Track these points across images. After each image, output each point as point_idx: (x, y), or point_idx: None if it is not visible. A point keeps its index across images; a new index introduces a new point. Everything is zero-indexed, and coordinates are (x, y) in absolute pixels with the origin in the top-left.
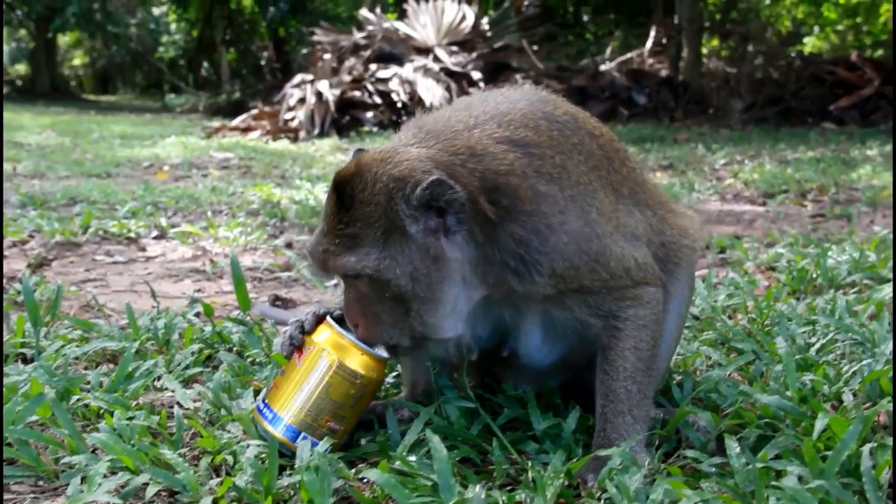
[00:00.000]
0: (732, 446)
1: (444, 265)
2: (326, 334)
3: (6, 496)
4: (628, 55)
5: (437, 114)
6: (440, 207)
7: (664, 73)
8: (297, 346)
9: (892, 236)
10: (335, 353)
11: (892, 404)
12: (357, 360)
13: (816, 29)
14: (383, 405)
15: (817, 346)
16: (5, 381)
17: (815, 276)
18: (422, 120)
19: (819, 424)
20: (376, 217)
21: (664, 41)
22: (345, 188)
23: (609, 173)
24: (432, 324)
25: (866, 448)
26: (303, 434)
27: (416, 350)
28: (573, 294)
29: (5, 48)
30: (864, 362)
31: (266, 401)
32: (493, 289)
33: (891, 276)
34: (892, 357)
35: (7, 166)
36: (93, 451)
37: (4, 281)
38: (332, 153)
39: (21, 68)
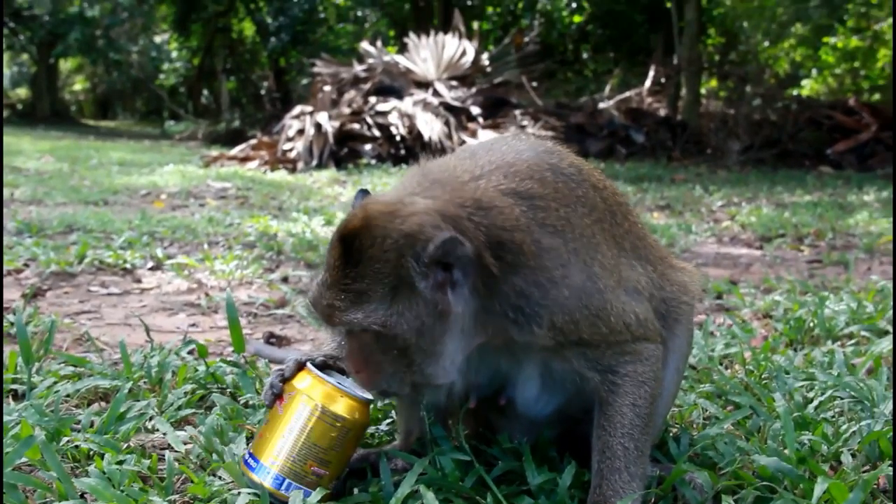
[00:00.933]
0: None
1: (448, 319)
2: (307, 380)
3: None
4: (627, 94)
5: (442, 161)
6: (448, 263)
7: (662, 112)
8: (277, 394)
9: (891, 286)
10: (316, 397)
11: (892, 467)
12: (339, 404)
13: (814, 72)
14: (377, 454)
15: (815, 402)
16: None
17: (812, 325)
18: (426, 167)
19: (818, 489)
20: (385, 273)
21: (663, 81)
22: (352, 243)
23: (612, 226)
24: (431, 373)
25: None
26: (289, 482)
27: (413, 396)
28: (572, 346)
29: (8, 72)
30: (864, 422)
31: (252, 451)
32: (492, 337)
33: (889, 328)
34: (893, 403)
35: (5, 191)
36: (81, 496)
37: None
38: (330, 185)
39: (22, 92)
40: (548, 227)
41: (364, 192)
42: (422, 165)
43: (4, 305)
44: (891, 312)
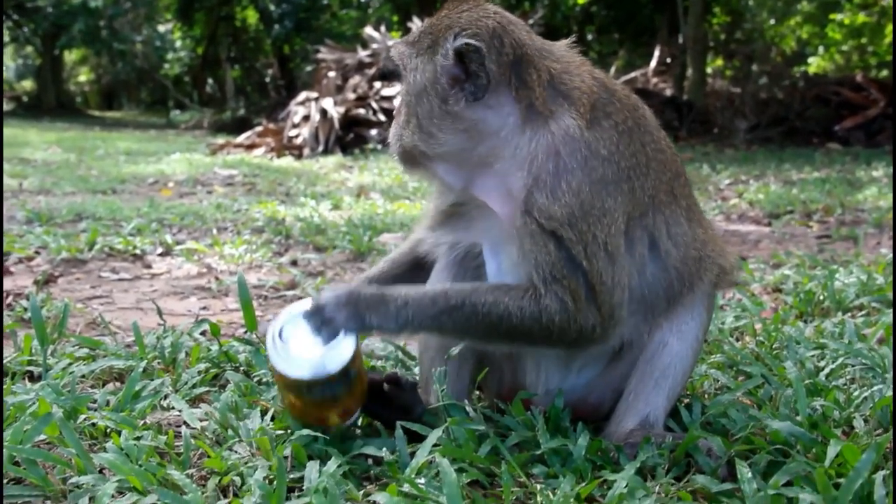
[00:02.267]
0: (744, 472)
1: (446, 106)
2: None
3: None
4: (632, 74)
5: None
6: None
7: (668, 92)
8: None
9: None
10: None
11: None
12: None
13: (821, 49)
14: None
15: (827, 370)
16: (13, 399)
17: (822, 298)
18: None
19: (831, 451)
20: (437, 31)
21: (668, 61)
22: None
23: (671, 180)
24: (419, 141)
25: (879, 476)
26: None
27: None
28: (555, 242)
29: (13, 65)
30: (875, 388)
31: None
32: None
33: None
34: (892, 374)
35: (13, 182)
36: (100, 471)
37: (11, 298)
38: (337, 170)
39: (27, 84)
40: (611, 118)
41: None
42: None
43: (17, 292)
44: None
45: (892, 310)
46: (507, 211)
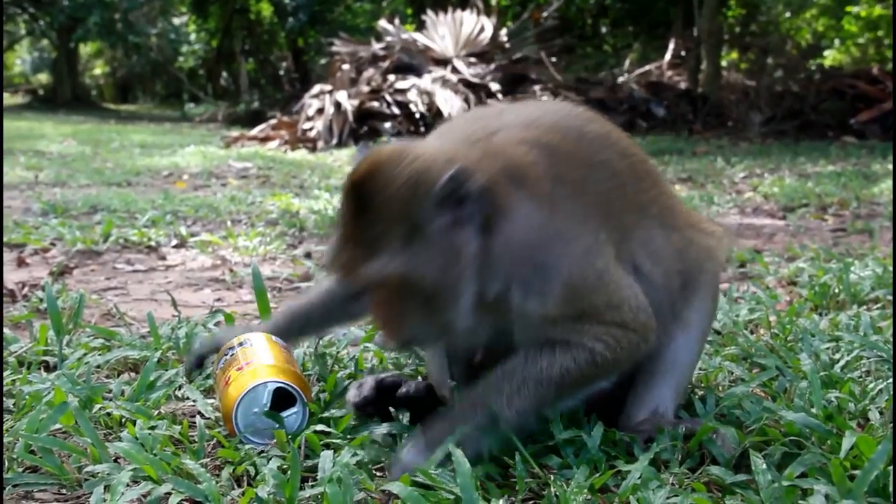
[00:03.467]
0: (758, 463)
1: (463, 257)
2: None
3: None
4: (647, 67)
5: (462, 115)
6: (460, 198)
7: (683, 85)
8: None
9: None
10: None
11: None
12: None
13: (837, 42)
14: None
15: (842, 363)
16: (29, 388)
17: (837, 291)
18: (444, 125)
19: (846, 443)
20: (398, 216)
21: (683, 53)
22: (361, 190)
23: (636, 193)
24: (453, 317)
25: None
26: None
27: (434, 348)
28: (565, 320)
29: (29, 58)
30: (891, 380)
31: None
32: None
33: None
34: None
35: (29, 174)
36: (115, 461)
37: (27, 289)
38: (350, 163)
39: (43, 78)
40: (565, 185)
41: (365, 147)
42: (443, 125)
43: (32, 283)
44: None
45: None
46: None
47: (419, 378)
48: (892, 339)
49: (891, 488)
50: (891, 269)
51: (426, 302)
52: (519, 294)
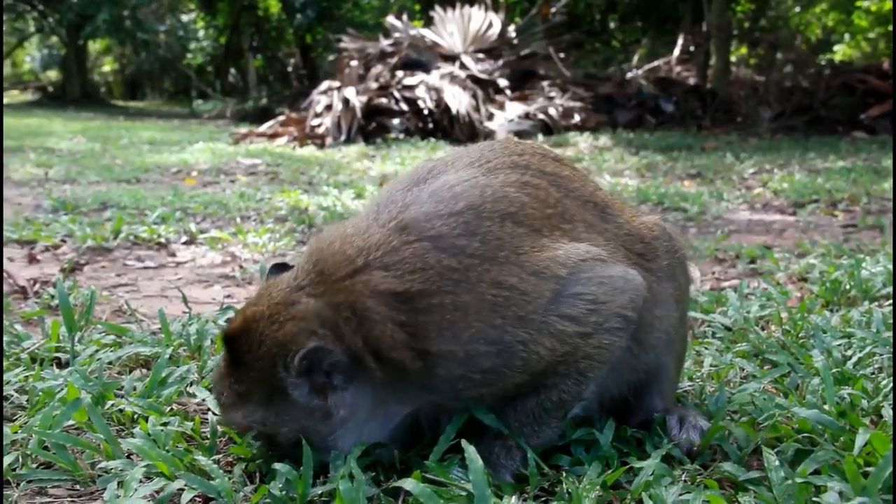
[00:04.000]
0: (771, 460)
1: (331, 420)
2: None
3: (44, 500)
4: (656, 63)
5: (331, 241)
6: (323, 369)
7: (692, 81)
8: None
9: None
10: None
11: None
12: None
13: (847, 37)
14: None
15: (854, 359)
16: (42, 385)
17: (848, 287)
18: (321, 243)
19: (860, 440)
20: (260, 379)
21: (692, 49)
22: (233, 345)
23: (543, 228)
24: (327, 452)
25: None
26: None
27: None
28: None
29: (38, 55)
30: None
31: None
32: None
33: None
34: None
35: (39, 171)
36: (128, 457)
37: (38, 285)
38: (359, 159)
39: (52, 75)
40: (432, 331)
41: (276, 268)
42: (318, 241)
43: (44, 280)
44: None
45: None
46: None
47: None
48: None
49: (892, 487)
50: None
51: (295, 446)
52: (444, 397)
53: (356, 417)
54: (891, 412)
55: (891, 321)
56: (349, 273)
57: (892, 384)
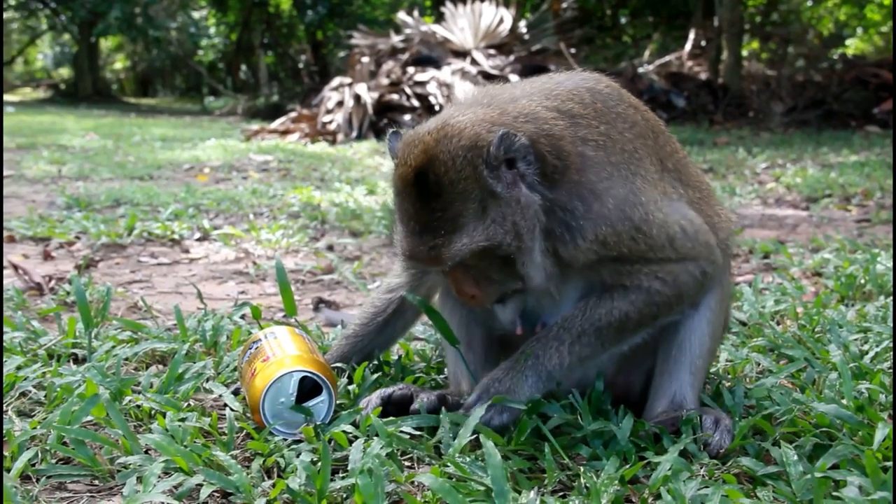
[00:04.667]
0: (789, 454)
1: (530, 210)
2: None
3: (63, 495)
4: (667, 58)
5: (479, 90)
6: (511, 158)
7: (703, 75)
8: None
9: None
10: None
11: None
12: None
13: (859, 31)
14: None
15: (871, 354)
16: (60, 381)
17: (864, 282)
18: (463, 98)
19: (879, 434)
20: (469, 190)
21: (703, 44)
22: (426, 178)
23: (655, 144)
24: (531, 272)
25: None
26: None
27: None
28: (611, 262)
29: (50, 53)
30: None
31: None
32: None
33: None
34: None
35: (52, 168)
36: (146, 452)
37: (54, 282)
38: (371, 156)
39: (65, 72)
40: (589, 143)
41: (395, 134)
42: (455, 99)
43: (59, 276)
44: None
45: None
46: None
47: (427, 389)
48: None
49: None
50: None
51: (506, 261)
52: (562, 240)
53: (541, 213)
54: None
55: None
56: (510, 99)
57: None
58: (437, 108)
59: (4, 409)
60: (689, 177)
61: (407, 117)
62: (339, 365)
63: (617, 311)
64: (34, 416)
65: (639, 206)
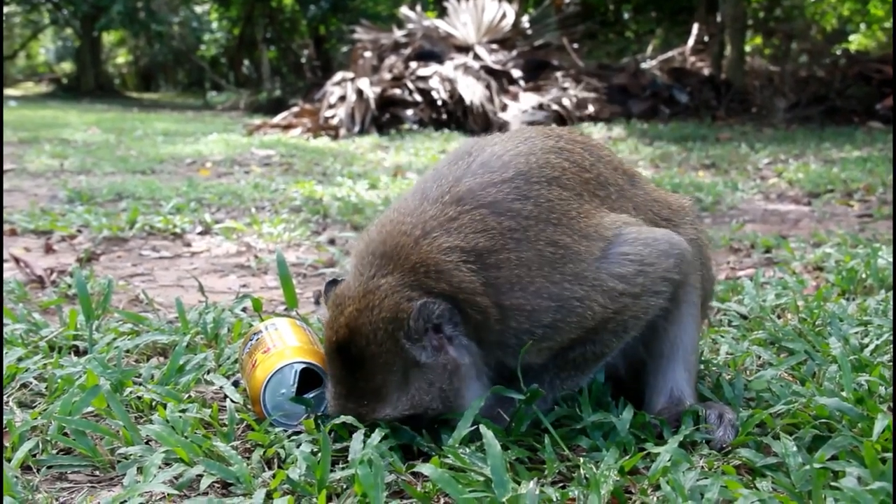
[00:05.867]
0: (788, 446)
1: (460, 372)
2: None
3: (64, 485)
4: (670, 53)
5: (381, 229)
6: (436, 325)
7: (706, 71)
8: None
9: None
10: None
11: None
12: None
13: (863, 26)
14: None
15: (871, 346)
16: (61, 372)
17: (865, 276)
18: (371, 239)
19: (879, 426)
20: (391, 362)
21: (706, 39)
22: (349, 350)
23: (584, 192)
24: (467, 402)
25: None
26: None
27: None
28: (579, 344)
29: (52, 47)
30: None
31: None
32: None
33: None
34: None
35: (55, 162)
36: (147, 443)
37: (55, 275)
38: (373, 150)
39: (67, 66)
40: (503, 285)
41: (332, 283)
42: (363, 240)
43: (60, 269)
44: None
45: None
46: None
47: None
48: None
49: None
50: None
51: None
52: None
53: (472, 368)
54: None
55: None
56: (412, 243)
57: None
58: (439, 102)
59: (6, 400)
60: (630, 190)
61: (409, 112)
62: None
63: (598, 346)
64: (35, 407)
65: (575, 298)
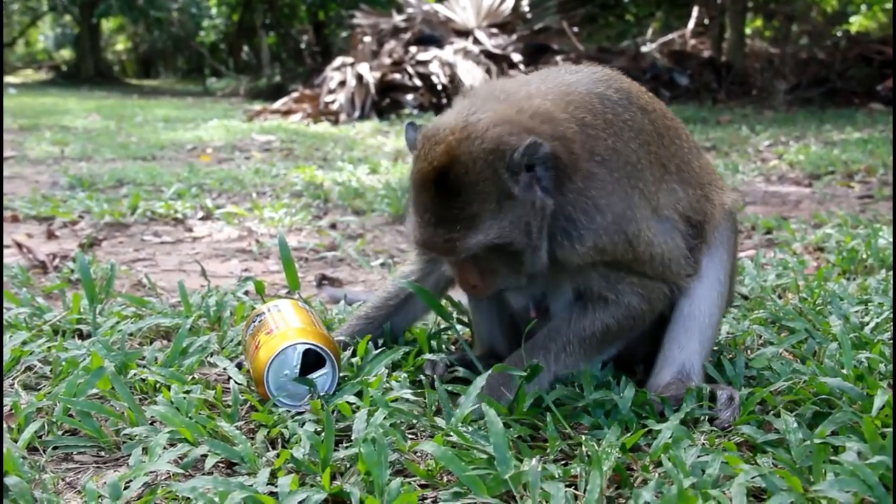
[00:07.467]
0: (789, 422)
1: (543, 212)
2: None
3: (70, 465)
4: (670, 36)
5: (492, 84)
6: (530, 164)
7: (706, 54)
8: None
9: None
10: None
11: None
12: None
13: (864, 7)
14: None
15: (871, 324)
16: (65, 355)
17: (865, 256)
18: (476, 91)
19: (878, 401)
20: (487, 191)
21: (706, 22)
22: (447, 177)
23: (659, 148)
24: (535, 262)
25: None
26: None
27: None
28: (600, 267)
29: (52, 34)
30: None
31: None
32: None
33: None
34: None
35: (55, 149)
36: (152, 423)
37: (58, 260)
38: (373, 135)
39: (66, 53)
40: (596, 157)
41: (412, 125)
42: (469, 92)
43: (62, 255)
44: None
45: None
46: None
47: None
48: None
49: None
50: None
51: (514, 256)
52: (562, 245)
53: (547, 221)
54: None
55: None
56: (525, 95)
57: None
58: (439, 87)
59: (11, 383)
60: (691, 173)
61: (409, 97)
62: (342, 339)
63: (599, 323)
64: (40, 389)
65: (633, 221)
